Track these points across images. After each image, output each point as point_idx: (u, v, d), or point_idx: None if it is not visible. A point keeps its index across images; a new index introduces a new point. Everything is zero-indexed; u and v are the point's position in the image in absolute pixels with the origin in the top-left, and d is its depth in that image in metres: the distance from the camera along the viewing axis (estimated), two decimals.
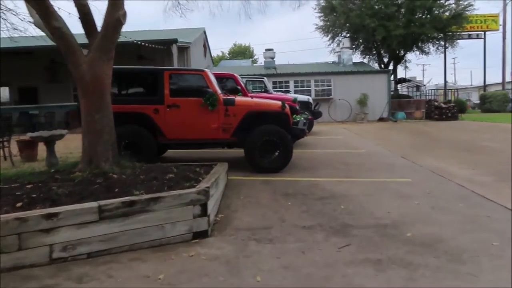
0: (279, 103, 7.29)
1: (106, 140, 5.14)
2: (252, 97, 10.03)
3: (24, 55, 17.59)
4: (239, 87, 10.08)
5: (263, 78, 13.40)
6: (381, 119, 19.41)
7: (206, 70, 7.17)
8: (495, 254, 3.42)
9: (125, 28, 5.71)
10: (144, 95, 7.20)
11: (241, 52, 43.51)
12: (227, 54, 45.14)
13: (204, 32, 23.20)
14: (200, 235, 3.90)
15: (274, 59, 23.37)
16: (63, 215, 3.30)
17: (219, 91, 7.22)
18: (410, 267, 3.16)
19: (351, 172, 7.26)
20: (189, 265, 3.28)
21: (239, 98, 7.35)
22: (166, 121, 7.11)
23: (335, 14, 24.30)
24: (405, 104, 21.19)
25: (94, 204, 3.50)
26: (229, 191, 5.95)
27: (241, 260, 3.39)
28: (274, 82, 19.79)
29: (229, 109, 7.15)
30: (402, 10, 23.08)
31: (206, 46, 23.14)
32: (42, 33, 6.39)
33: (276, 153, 7.16)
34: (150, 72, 7.31)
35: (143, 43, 14.66)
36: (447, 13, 22.92)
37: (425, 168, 7.65)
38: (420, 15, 23.14)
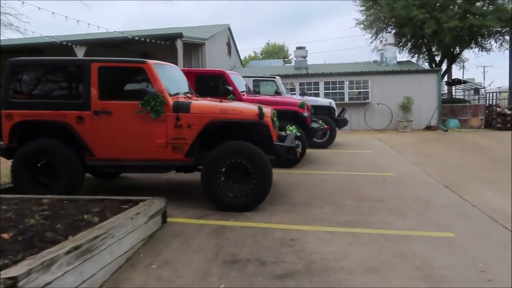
0: (256, 109, 4.98)
1: None
2: (245, 100, 7.80)
3: None
4: (230, 88, 7.88)
5: (274, 78, 11.07)
6: (428, 128, 16.29)
7: (149, 61, 5.02)
8: None
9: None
10: (63, 97, 5.16)
11: (275, 52, 41.04)
12: (259, 54, 42.96)
13: (229, 29, 21.22)
14: None
15: (306, 59, 20.86)
16: None
17: (170, 92, 5.04)
18: None
19: (358, 215, 4.77)
20: None
21: (197, 102, 5.12)
22: (94, 133, 5.05)
23: (376, 6, 21.35)
24: (460, 109, 17.85)
25: None
26: (146, 250, 3.76)
27: None
28: (303, 84, 17.34)
29: (182, 118, 4.95)
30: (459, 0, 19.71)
31: (230, 45, 21.13)
32: None
33: (248, 183, 4.86)
34: (70, 64, 5.28)
35: (142, 39, 12.89)
36: None
37: (480, 210, 5.00)
38: (481, 4, 19.61)
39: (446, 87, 24.25)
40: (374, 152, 10.13)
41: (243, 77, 10.85)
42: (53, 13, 12.56)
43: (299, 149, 5.37)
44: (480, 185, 6.47)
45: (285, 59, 36.24)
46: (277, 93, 10.32)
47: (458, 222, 4.55)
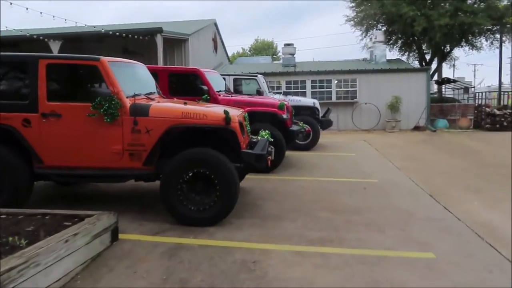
0: (221, 112, 4.51)
1: None
2: (220, 100, 7.34)
3: None
4: (204, 87, 7.41)
5: (256, 77, 10.60)
6: (416, 128, 15.95)
7: (103, 58, 4.52)
8: None
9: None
10: (7, 97, 4.63)
11: (264, 49, 40.38)
12: (248, 51, 42.24)
13: (215, 25, 20.66)
14: None
15: (295, 56, 20.37)
16: None
17: (128, 92, 4.55)
18: None
19: (332, 231, 4.35)
20: None
21: (157, 105, 4.64)
22: (42, 138, 4.55)
23: (367, 3, 20.90)
24: (449, 109, 17.54)
25: None
26: (85, 276, 3.30)
27: None
28: (290, 82, 16.87)
29: (140, 122, 4.48)
30: None
31: (216, 41, 20.57)
32: None
33: (211, 195, 4.41)
34: (15, 61, 4.75)
35: (121, 34, 12.31)
36: (505, 0, 18.94)
37: (464, 224, 4.60)
38: (472, 2, 19.29)
39: (436, 86, 23.97)
40: (358, 155, 9.72)
41: (224, 75, 10.40)
42: (26, 8, 12.00)
43: (270, 157, 4.92)
44: (466, 193, 6.09)
45: (274, 56, 35.73)
46: (259, 92, 9.85)
47: (440, 239, 4.15)
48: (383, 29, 21.69)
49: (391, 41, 23.12)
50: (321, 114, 11.45)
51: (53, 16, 12.55)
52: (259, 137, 5.39)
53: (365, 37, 23.14)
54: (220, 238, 4.12)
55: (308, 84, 16.72)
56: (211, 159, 4.33)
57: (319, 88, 16.70)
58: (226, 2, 77.45)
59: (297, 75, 17.09)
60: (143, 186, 5.94)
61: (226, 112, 4.49)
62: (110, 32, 12.10)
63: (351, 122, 16.46)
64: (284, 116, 7.44)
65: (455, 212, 5.05)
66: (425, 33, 19.10)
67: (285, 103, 7.83)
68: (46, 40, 12.42)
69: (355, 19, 22.65)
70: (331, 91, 16.65)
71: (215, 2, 75.99)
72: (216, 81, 8.41)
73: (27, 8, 11.95)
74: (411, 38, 21.94)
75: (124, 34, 12.27)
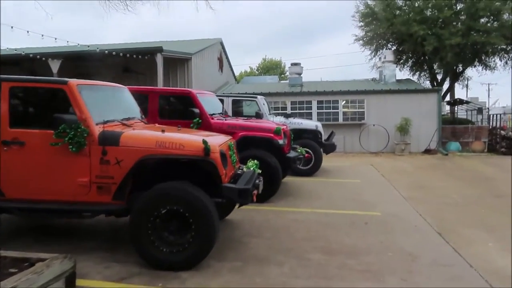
0: (199, 141, 4.05)
1: None
2: (213, 124, 6.91)
3: None
4: (196, 110, 7.00)
5: (255, 98, 10.16)
6: (427, 151, 15.26)
7: (71, 81, 4.12)
8: None
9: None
10: None
11: (271, 68, 40.09)
12: (255, 70, 42.01)
13: (221, 44, 20.47)
14: None
15: (301, 76, 19.98)
16: None
17: (99, 118, 4.13)
18: None
19: (322, 279, 3.79)
20: None
21: (130, 133, 4.20)
22: (4, 168, 4.13)
23: (376, 22, 20.53)
24: (462, 131, 16.83)
25: None
26: None
27: None
28: (296, 103, 16.37)
29: (109, 152, 4.04)
30: (462, 15, 18.84)
31: (222, 60, 20.33)
32: None
33: (186, 235, 3.91)
34: None
35: (122, 54, 12.10)
36: None
37: (477, 272, 3.98)
38: (485, 21, 18.76)
39: (448, 107, 23.27)
40: (363, 182, 9.12)
41: (220, 96, 10.03)
42: (27, 31, 11.97)
43: (257, 191, 4.41)
44: (479, 231, 5.46)
45: (282, 76, 35.44)
46: (258, 115, 9.40)
47: None
48: (393, 49, 21.27)
49: (401, 61, 22.65)
50: (325, 137, 10.96)
51: (55, 38, 12.50)
52: (246, 168, 4.89)
53: (374, 56, 22.76)
54: (192, 286, 3.60)
55: (314, 105, 16.24)
56: (185, 195, 3.86)
57: (325, 109, 16.20)
58: (238, 21, 78.26)
59: (302, 96, 16.65)
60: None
61: (204, 142, 4.02)
62: (106, 51, 11.88)
63: (359, 144, 15.86)
64: (281, 141, 6.95)
65: (467, 256, 4.45)
66: (436, 53, 18.59)
67: (283, 127, 7.34)
68: (43, 59, 12.26)
69: (364, 39, 22.32)
70: (338, 112, 16.13)
71: (229, 21, 76.62)
72: (212, 104, 7.99)
73: (28, 31, 11.90)
74: (422, 58, 21.45)
75: (124, 54, 12.05)
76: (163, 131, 4.40)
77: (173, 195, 3.86)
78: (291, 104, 16.44)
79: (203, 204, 3.84)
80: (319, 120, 15.86)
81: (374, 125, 15.85)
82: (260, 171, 4.93)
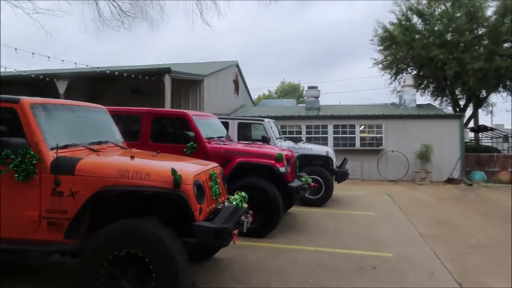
0: (168, 170, 3.43)
1: None
2: (209, 148, 6.33)
3: None
4: (190, 133, 6.44)
5: (262, 121, 9.57)
6: (450, 181, 14.22)
7: (24, 100, 3.61)
8: None
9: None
10: None
11: (290, 91, 39.64)
12: (274, 93, 41.66)
13: (237, 66, 20.17)
14: None
15: (319, 99, 19.38)
16: None
17: (57, 142, 3.57)
18: None
19: None
20: None
21: (90, 160, 3.64)
22: None
23: (396, 46, 19.88)
24: (487, 160, 15.73)
25: None
26: None
27: None
28: (311, 127, 15.72)
29: (63, 182, 3.49)
30: (484, 39, 18.02)
31: (237, 82, 19.99)
32: None
33: (146, 284, 3.24)
34: None
35: (131, 75, 11.81)
36: None
37: None
38: (509, 45, 17.84)
39: (471, 134, 22.11)
40: (377, 215, 8.29)
41: (223, 119, 9.50)
42: (32, 53, 11.98)
43: (237, 231, 3.73)
44: (507, 283, 4.58)
45: (300, 99, 34.87)
46: (264, 138, 8.78)
47: None
48: (413, 73, 20.51)
49: (422, 86, 21.80)
50: (338, 164, 10.22)
51: (62, 60, 12.44)
52: (229, 201, 4.21)
53: (394, 80, 22.03)
54: None
55: (330, 129, 15.54)
56: (143, 236, 3.24)
57: (341, 134, 15.47)
58: (260, 45, 78.91)
59: (318, 119, 15.99)
60: None
61: (173, 172, 3.41)
62: (117, 73, 11.63)
63: (377, 171, 14.98)
64: (282, 169, 6.28)
65: None
66: (457, 78, 17.77)
67: (287, 153, 6.69)
68: (47, 79, 12.12)
69: (384, 63, 21.67)
70: (354, 137, 15.36)
71: (253, 45, 77.19)
72: (212, 127, 7.46)
73: (33, 53, 11.93)
74: (443, 83, 20.56)
75: (132, 75, 11.80)
76: (132, 157, 3.81)
77: (132, 235, 3.24)
78: (306, 128, 15.81)
79: (165, 247, 3.20)
80: (335, 145, 15.18)
81: (392, 151, 14.98)
82: (246, 206, 4.25)
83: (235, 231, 3.67)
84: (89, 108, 4.61)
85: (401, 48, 19.29)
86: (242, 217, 4.02)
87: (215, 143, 6.68)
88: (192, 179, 3.57)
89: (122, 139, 4.92)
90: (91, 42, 70.89)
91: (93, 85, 13.14)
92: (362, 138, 15.38)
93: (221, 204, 4.05)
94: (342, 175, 9.42)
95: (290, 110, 18.81)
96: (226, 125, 9.39)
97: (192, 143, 6.41)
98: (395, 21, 20.24)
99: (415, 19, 20.09)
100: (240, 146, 6.83)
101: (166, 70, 11.80)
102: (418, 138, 14.68)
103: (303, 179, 6.92)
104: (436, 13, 19.39)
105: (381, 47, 21.36)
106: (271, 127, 9.56)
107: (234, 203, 4.05)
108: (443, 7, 19.37)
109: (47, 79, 12.08)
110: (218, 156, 6.42)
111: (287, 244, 5.86)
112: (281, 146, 9.08)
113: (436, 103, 22.29)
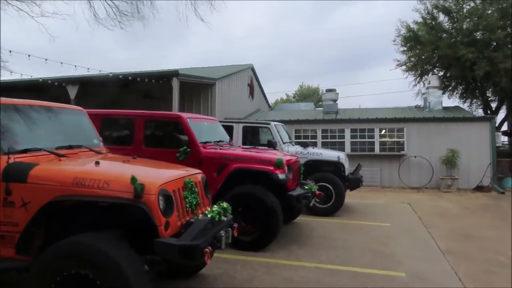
0: (127, 178, 2.96)
1: None
2: (203, 153, 5.87)
3: None
4: (183, 137, 6.00)
5: (268, 125, 9.02)
6: (479, 188, 13.18)
7: None
8: None
9: None
10: None
11: (309, 95, 38.73)
12: (292, 97, 40.83)
13: (252, 69, 19.71)
14: None
15: (337, 102, 18.66)
16: None
17: (5, 147, 3.17)
18: None
19: None
20: None
21: (45, 165, 3.21)
22: None
23: (421, 46, 18.92)
24: None
25: None
26: None
27: None
28: (326, 131, 15.03)
29: (15, 190, 3.07)
30: None
31: (252, 86, 19.51)
32: None
33: None
34: None
35: (136, 79, 11.56)
36: None
37: None
38: None
39: (505, 138, 20.77)
40: (393, 226, 7.56)
41: (226, 122, 9.06)
42: (45, 59, 11.98)
43: (210, 249, 3.19)
44: None
45: (320, 103, 34.00)
46: (270, 143, 8.24)
47: None
48: (440, 74, 19.46)
49: (450, 87, 20.70)
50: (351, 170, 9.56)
51: (75, 66, 12.42)
52: (205, 213, 3.68)
53: (418, 82, 21.01)
54: None
55: (347, 134, 14.79)
56: (91, 255, 2.75)
57: (360, 138, 14.69)
58: (281, 50, 78.19)
59: (334, 123, 15.27)
60: None
61: (133, 180, 2.93)
62: (121, 76, 11.41)
63: (398, 178, 14.10)
64: (281, 176, 5.70)
65: None
66: (488, 78, 16.62)
67: (287, 158, 6.12)
68: (64, 84, 12.06)
69: (407, 64, 20.71)
70: (374, 141, 14.55)
71: (278, 50, 76.36)
72: (210, 130, 6.99)
73: (46, 59, 11.92)
74: (472, 84, 19.40)
75: (142, 79, 11.58)
76: (97, 163, 3.37)
77: (77, 254, 2.78)
78: (322, 133, 15.11)
79: (117, 267, 2.71)
80: (352, 150, 14.45)
81: (415, 156, 14.08)
82: (224, 218, 3.71)
83: (207, 249, 3.15)
84: (63, 109, 4.21)
85: (426, 48, 18.30)
86: (221, 232, 3.50)
87: (211, 148, 6.19)
88: (157, 188, 3.08)
89: (101, 143, 4.50)
90: (116, 50, 72.12)
91: (107, 91, 13.04)
92: (382, 143, 14.55)
93: (195, 217, 3.53)
94: (355, 182, 8.72)
95: (307, 114, 18.17)
96: (230, 129, 8.92)
97: (185, 148, 5.95)
98: (420, 20, 19.32)
99: (441, 17, 19.11)
100: (239, 151, 6.30)
101: (173, 74, 11.44)
102: (443, 142, 13.72)
103: (307, 187, 6.31)
104: (465, 10, 18.34)
105: (404, 48, 20.43)
106: (278, 131, 8.99)
107: (209, 215, 3.51)
108: (472, 4, 18.30)
109: (60, 84, 12.03)
110: (213, 161, 5.94)
111: (285, 260, 5.27)
112: (288, 151, 8.53)
113: (465, 106, 21.13)
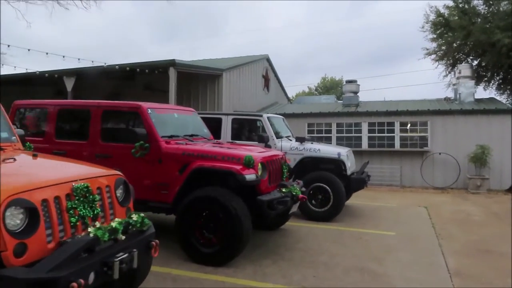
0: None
1: None
2: (164, 148, 5.05)
3: None
4: (139, 130, 5.19)
5: (260, 117, 8.04)
6: None
7: None
8: None
9: None
10: None
11: (332, 87, 36.96)
12: (314, 90, 39.14)
13: (268, 60, 18.69)
14: None
15: (358, 94, 17.34)
16: None
17: None
18: None
19: None
20: None
21: None
22: None
23: (451, 32, 17.27)
24: None
25: None
26: None
27: None
28: (341, 125, 13.85)
29: None
30: None
31: (268, 78, 18.48)
32: None
33: None
34: None
35: (132, 69, 10.92)
36: None
37: None
38: None
39: None
40: (398, 235, 6.44)
41: (213, 115, 8.20)
42: (46, 53, 11.71)
43: (83, 282, 2.33)
44: None
45: (343, 95, 32.43)
46: (260, 137, 7.30)
47: None
48: (474, 63, 17.72)
49: (485, 78, 18.88)
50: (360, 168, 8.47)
51: (78, 59, 12.12)
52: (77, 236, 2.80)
53: (449, 73, 19.33)
54: None
55: (365, 128, 13.55)
56: None
57: (378, 133, 13.41)
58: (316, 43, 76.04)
59: (351, 116, 14.06)
60: None
61: None
62: (117, 67, 10.80)
63: (420, 176, 12.74)
64: (249, 176, 4.75)
65: None
66: None
67: (263, 155, 5.17)
68: (57, 76, 11.61)
69: (437, 53, 19.04)
70: (393, 136, 13.24)
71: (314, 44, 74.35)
72: (183, 123, 6.16)
73: (47, 53, 11.70)
74: (510, 72, 17.52)
75: (139, 69, 10.98)
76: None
77: None
78: (336, 127, 13.95)
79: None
80: (370, 145, 13.25)
81: (440, 153, 12.67)
82: (122, 237, 2.83)
83: (74, 284, 2.28)
84: None
85: (457, 34, 16.66)
86: (114, 258, 2.63)
87: (175, 143, 5.33)
88: (4, 198, 2.25)
89: (17, 139, 3.75)
90: (155, 44, 72.95)
91: (108, 84, 12.55)
92: (402, 138, 13.21)
93: (73, 237, 2.66)
94: (358, 183, 7.60)
95: (326, 106, 16.99)
96: (219, 122, 8.04)
97: (142, 142, 5.13)
98: (451, 4, 17.63)
99: (475, 1, 17.35)
100: (206, 146, 5.40)
101: (170, 63, 10.69)
102: (472, 137, 12.24)
103: (285, 190, 5.30)
104: None
105: (433, 35, 18.78)
106: (273, 124, 8.02)
107: (92, 234, 2.64)
108: None
109: (52, 75, 11.61)
110: (175, 159, 5.10)
111: (247, 279, 4.34)
112: (281, 147, 7.56)
113: (503, 98, 19.24)
